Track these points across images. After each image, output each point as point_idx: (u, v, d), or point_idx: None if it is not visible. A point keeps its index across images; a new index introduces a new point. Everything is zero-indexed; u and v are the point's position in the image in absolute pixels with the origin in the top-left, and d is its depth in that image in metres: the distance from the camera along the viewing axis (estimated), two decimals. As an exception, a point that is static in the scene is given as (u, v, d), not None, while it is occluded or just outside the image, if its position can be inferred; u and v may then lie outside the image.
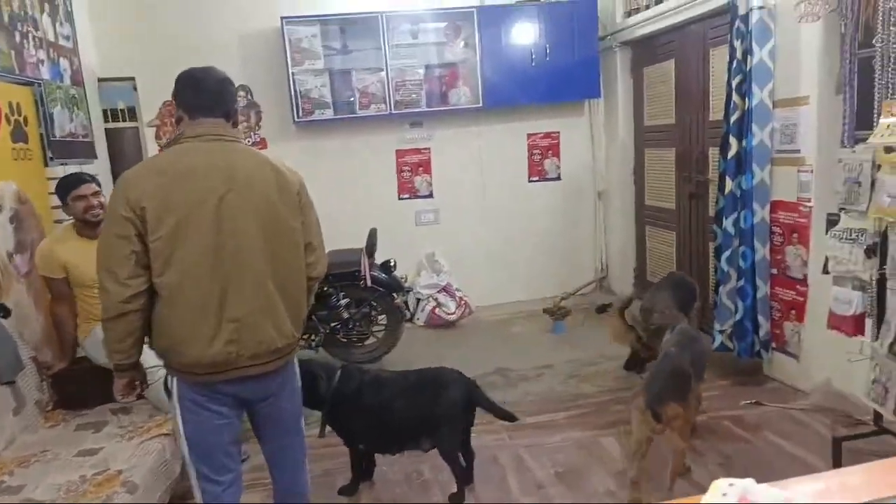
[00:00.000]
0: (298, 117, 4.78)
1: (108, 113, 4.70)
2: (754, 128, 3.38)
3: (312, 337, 4.09)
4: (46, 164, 3.50)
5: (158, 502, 2.35)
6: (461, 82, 4.99)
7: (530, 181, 5.42)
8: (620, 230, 5.39)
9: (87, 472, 2.30)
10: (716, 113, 4.06)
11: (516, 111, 5.22)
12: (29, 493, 2.16)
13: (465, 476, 2.67)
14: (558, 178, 5.45)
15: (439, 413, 2.56)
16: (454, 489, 2.62)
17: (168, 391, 1.86)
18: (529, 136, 5.35)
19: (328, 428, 2.59)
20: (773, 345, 3.52)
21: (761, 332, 3.49)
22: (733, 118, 3.49)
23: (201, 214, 1.70)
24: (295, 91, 4.72)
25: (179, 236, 1.68)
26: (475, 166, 5.30)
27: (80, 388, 2.83)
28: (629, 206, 5.33)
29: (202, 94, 1.81)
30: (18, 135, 3.26)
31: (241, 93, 4.86)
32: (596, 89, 5.18)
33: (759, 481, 0.87)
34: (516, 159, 5.37)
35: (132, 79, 4.66)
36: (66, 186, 2.83)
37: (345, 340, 4.21)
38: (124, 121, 4.81)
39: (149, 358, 1.93)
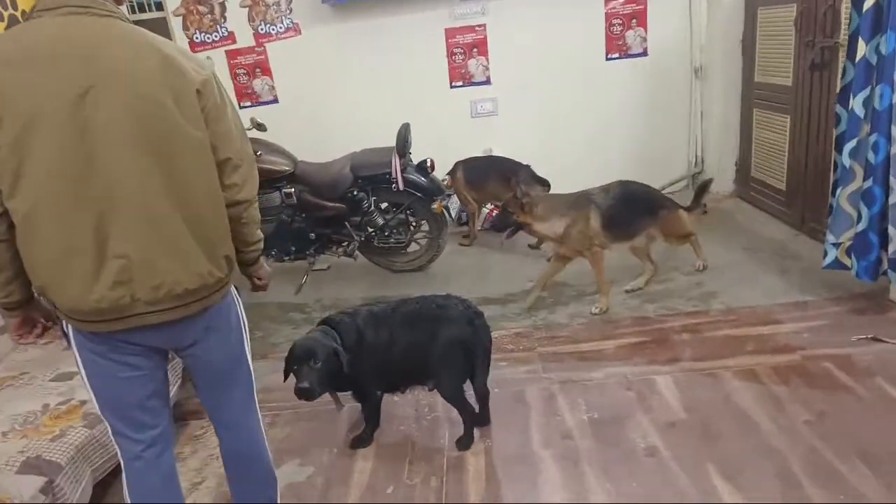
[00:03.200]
0: (328, -6, 4.16)
1: (135, 5, 4.42)
2: (909, -41, 2.37)
3: (348, 245, 3.77)
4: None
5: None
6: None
7: (608, 59, 4.51)
8: (721, 115, 4.43)
9: (52, 400, 2.14)
10: (857, -53, 2.97)
11: (591, -30, 4.26)
12: (-15, 424, 2.01)
13: (477, 418, 2.28)
14: (644, 54, 4.49)
15: (436, 355, 2.13)
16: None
17: (65, 335, 1.53)
18: (607, 1, 4.39)
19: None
20: (906, 264, 2.68)
21: (891, 248, 2.65)
22: (878, -52, 2.48)
23: (53, 116, 1.27)
24: (323, -38, 4.08)
25: (26, 145, 1.27)
26: (540, 45, 4.46)
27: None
28: (734, 84, 4.32)
29: None
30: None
31: (267, -30, 4.30)
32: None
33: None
34: (590, 32, 4.45)
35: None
36: None
37: (385, 247, 3.84)
38: (150, 10, 4.48)
39: None
